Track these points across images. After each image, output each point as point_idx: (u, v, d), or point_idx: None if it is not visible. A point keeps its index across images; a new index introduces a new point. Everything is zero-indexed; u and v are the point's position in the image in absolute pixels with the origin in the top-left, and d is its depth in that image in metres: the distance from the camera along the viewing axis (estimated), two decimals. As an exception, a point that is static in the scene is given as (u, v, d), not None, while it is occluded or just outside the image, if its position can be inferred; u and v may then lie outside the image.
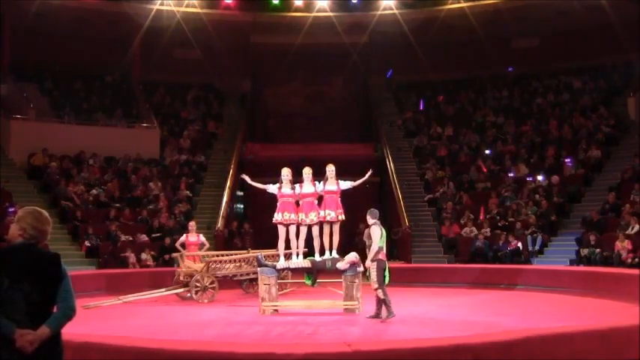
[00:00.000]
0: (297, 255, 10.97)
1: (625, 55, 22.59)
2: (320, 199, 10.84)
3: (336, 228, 10.74)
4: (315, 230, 10.78)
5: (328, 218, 10.63)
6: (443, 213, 19.75)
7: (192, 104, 25.76)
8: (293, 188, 10.79)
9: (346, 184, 10.82)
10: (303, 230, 10.84)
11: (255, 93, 26.51)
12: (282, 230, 10.86)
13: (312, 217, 10.69)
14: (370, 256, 9.48)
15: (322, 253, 10.83)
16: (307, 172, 10.87)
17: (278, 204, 10.85)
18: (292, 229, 10.83)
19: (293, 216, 10.75)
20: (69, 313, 3.66)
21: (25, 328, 3.47)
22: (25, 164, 20.22)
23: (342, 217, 10.72)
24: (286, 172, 10.88)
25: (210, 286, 12.49)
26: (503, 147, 22.27)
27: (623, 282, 12.41)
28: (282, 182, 10.83)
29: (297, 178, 11.03)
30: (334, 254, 10.77)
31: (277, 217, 10.79)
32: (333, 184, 10.73)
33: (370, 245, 9.54)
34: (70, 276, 3.74)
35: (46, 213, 3.87)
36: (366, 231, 9.89)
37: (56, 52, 23.40)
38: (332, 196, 10.69)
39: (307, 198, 10.77)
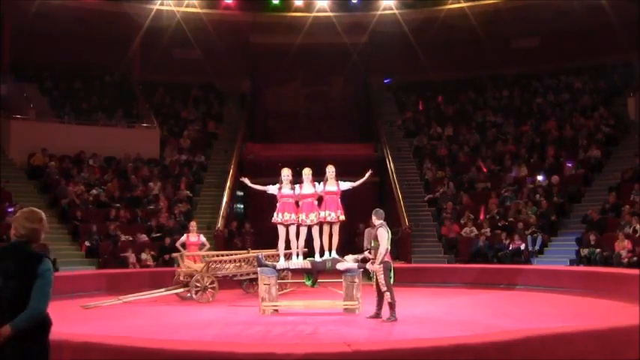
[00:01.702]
0: (297, 255, 10.96)
1: (625, 55, 22.58)
2: (320, 199, 10.84)
3: (336, 229, 10.74)
4: (315, 231, 10.78)
5: (328, 219, 10.63)
6: (443, 213, 19.76)
7: (192, 104, 25.77)
8: (293, 189, 10.80)
9: (346, 185, 10.82)
10: (303, 231, 10.84)
11: (255, 93, 26.51)
12: (282, 230, 10.86)
13: (312, 217, 10.68)
14: (378, 259, 9.40)
15: (322, 253, 10.83)
16: (307, 172, 10.88)
17: (278, 204, 10.85)
18: (292, 229, 10.82)
19: (293, 216, 10.75)
20: (33, 314, 3.65)
21: None
22: (25, 164, 20.22)
23: (342, 217, 10.72)
24: (286, 173, 10.88)
25: (210, 286, 12.49)
26: (503, 147, 22.27)
27: (623, 282, 12.41)
28: (282, 183, 10.84)
29: (297, 179, 11.03)
30: (334, 255, 10.76)
31: (277, 217, 10.80)
32: (333, 185, 10.73)
33: (377, 247, 9.46)
34: (50, 278, 3.74)
35: (39, 212, 3.94)
36: (368, 231, 9.83)
37: (56, 52, 23.38)
38: (332, 196, 10.69)
39: (307, 198, 10.77)
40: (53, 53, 23.33)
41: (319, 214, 10.69)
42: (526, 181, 20.08)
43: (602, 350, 6.20)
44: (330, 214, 10.61)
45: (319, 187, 10.76)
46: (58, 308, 10.99)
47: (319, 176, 10.89)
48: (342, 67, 25.46)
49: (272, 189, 10.94)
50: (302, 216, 10.74)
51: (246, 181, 11.68)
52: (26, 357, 3.65)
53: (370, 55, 25.67)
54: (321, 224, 10.74)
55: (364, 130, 25.93)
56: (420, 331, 8.66)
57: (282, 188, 10.81)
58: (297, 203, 10.87)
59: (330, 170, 10.76)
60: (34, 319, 3.65)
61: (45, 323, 3.79)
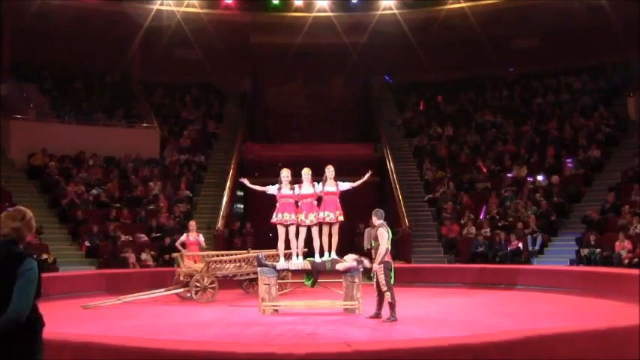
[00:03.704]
0: (297, 256, 10.96)
1: (625, 55, 22.56)
2: (319, 199, 10.83)
3: (336, 229, 10.73)
4: (315, 231, 10.78)
5: (327, 219, 10.62)
6: (443, 213, 19.76)
7: (192, 104, 25.77)
8: (292, 189, 10.80)
9: (345, 186, 10.82)
10: (303, 231, 10.84)
11: (255, 93, 26.51)
12: (281, 231, 10.86)
13: (312, 217, 10.68)
14: (378, 259, 9.41)
15: (322, 254, 10.83)
16: (306, 172, 10.88)
17: (277, 205, 10.85)
18: (292, 229, 10.82)
19: (292, 217, 10.74)
20: (12, 315, 3.59)
21: None
22: (25, 164, 20.21)
23: (341, 218, 10.71)
24: (286, 173, 10.88)
25: (210, 286, 12.49)
26: (503, 147, 22.27)
27: (623, 282, 12.42)
28: (281, 183, 10.84)
29: (296, 179, 11.02)
30: (333, 255, 10.76)
31: (276, 217, 10.79)
32: (333, 185, 10.72)
33: (377, 247, 9.47)
34: (32, 277, 3.68)
35: (23, 211, 3.93)
36: (368, 231, 9.83)
37: (56, 52, 23.37)
38: (331, 197, 10.68)
39: (306, 199, 10.77)
40: (53, 53, 23.32)
41: (318, 214, 10.69)
42: (526, 181, 20.09)
43: (602, 350, 6.20)
44: (329, 215, 10.60)
45: (318, 188, 10.76)
46: (58, 308, 10.98)
47: (319, 176, 10.89)
48: (342, 67, 25.45)
49: (271, 189, 10.94)
50: (301, 216, 10.74)
51: (246, 181, 11.70)
52: (12, 359, 3.61)
53: (370, 55, 25.65)
54: (320, 224, 10.73)
55: (364, 130, 25.93)
56: (420, 331, 8.65)
57: (281, 188, 10.81)
58: (296, 203, 10.87)
59: (330, 170, 10.76)
60: (15, 320, 3.58)
61: (33, 324, 3.72)
